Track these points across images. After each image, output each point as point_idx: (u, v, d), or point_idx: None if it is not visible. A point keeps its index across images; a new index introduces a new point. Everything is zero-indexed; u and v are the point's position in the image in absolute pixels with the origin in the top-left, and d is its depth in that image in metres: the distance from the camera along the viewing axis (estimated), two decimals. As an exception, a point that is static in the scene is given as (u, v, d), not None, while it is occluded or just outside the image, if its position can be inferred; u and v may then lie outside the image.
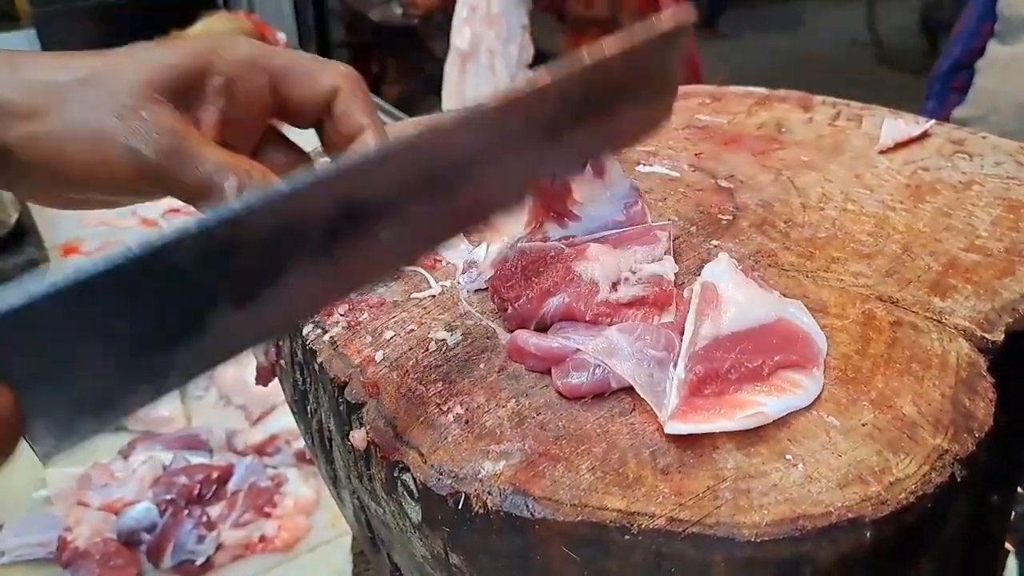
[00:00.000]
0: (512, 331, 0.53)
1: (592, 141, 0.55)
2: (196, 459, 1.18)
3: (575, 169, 0.58)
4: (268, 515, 1.10)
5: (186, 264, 0.40)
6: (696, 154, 0.74)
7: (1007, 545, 0.71)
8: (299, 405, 0.62)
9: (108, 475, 1.16)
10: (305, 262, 0.44)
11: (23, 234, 1.66)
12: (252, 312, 0.43)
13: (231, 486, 1.12)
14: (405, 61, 4.56)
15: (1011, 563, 0.67)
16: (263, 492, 1.11)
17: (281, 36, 2.52)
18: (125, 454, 1.23)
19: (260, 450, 1.20)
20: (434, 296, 0.58)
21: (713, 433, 0.45)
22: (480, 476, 0.44)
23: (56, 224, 1.87)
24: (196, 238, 0.40)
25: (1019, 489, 0.67)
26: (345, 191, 0.44)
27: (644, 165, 0.73)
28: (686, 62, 2.34)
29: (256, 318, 0.44)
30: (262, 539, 1.08)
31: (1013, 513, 0.64)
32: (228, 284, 0.43)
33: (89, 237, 1.86)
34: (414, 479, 0.46)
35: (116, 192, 0.53)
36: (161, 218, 1.93)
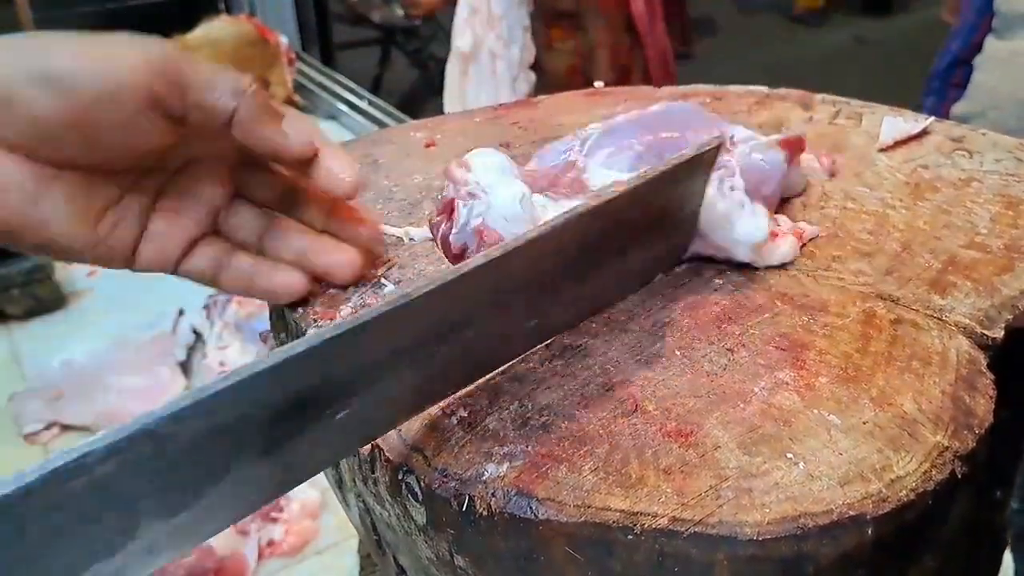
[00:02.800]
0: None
1: (599, 288, 0.54)
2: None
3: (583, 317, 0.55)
4: (275, 520, 1.10)
5: (110, 475, 0.36)
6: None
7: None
8: (304, 409, 0.62)
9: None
10: (245, 463, 0.40)
11: (28, 241, 1.67)
12: (182, 522, 0.39)
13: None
14: (407, 62, 4.56)
15: (1007, 559, 0.67)
16: (269, 496, 1.12)
17: (283, 39, 2.53)
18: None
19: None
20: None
21: (715, 432, 0.45)
22: (484, 478, 0.44)
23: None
24: (120, 450, 0.36)
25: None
26: (296, 379, 0.40)
27: (645, 166, 0.73)
28: (656, 62, 2.33)
29: (186, 528, 0.40)
30: (270, 544, 1.08)
31: (1012, 504, 0.64)
32: (153, 498, 0.38)
33: (94, 243, 1.87)
34: (418, 482, 0.46)
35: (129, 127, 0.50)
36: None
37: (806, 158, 0.69)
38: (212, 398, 0.37)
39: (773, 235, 0.60)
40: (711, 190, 0.57)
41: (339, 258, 0.58)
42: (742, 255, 0.58)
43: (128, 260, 0.55)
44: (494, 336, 0.49)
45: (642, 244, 0.54)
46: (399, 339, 0.43)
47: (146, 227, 0.55)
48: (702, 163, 0.54)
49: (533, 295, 0.49)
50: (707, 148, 0.53)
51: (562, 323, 0.53)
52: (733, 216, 0.57)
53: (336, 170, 0.54)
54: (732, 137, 0.64)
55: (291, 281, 0.57)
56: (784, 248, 0.59)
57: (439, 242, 0.57)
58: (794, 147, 0.64)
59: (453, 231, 0.56)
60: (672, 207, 0.54)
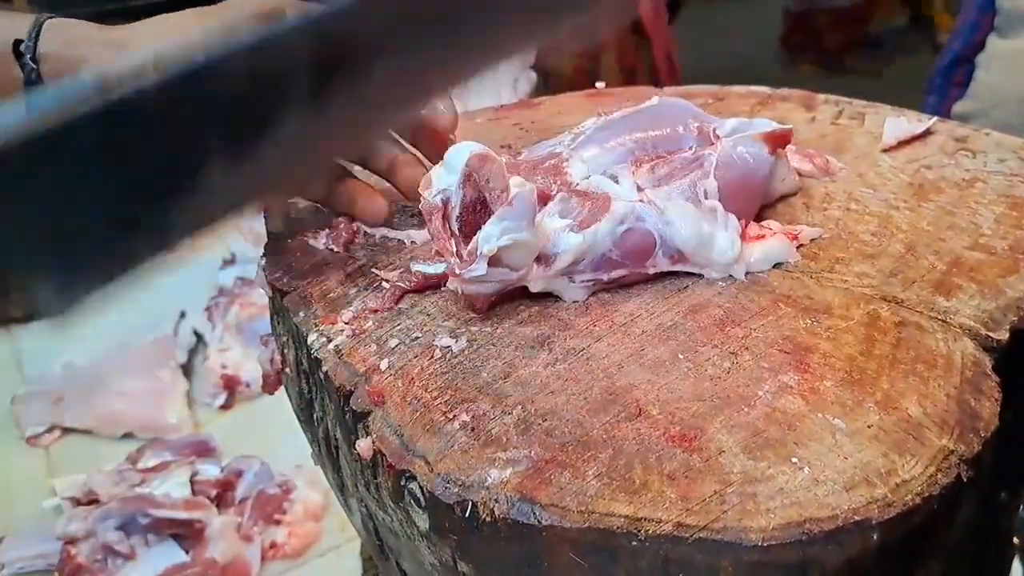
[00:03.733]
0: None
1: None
2: (204, 466, 1.18)
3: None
4: (278, 522, 1.10)
5: (167, 106, 0.38)
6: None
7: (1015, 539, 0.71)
8: (305, 413, 0.62)
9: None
10: (294, 109, 0.42)
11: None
12: (245, 166, 0.42)
13: (239, 493, 1.12)
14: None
15: (1016, 566, 0.67)
16: (272, 499, 1.12)
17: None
18: (134, 459, 1.24)
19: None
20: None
21: (719, 436, 0.45)
22: (487, 484, 0.44)
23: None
24: (170, 80, 0.37)
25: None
26: (330, 32, 0.43)
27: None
28: (663, 62, 2.33)
29: (249, 172, 0.42)
30: (272, 546, 1.08)
31: (1020, 511, 0.64)
32: (216, 132, 0.40)
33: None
34: (421, 488, 0.46)
35: None
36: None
37: (799, 158, 0.69)
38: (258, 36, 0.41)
39: (757, 238, 0.59)
40: (684, 200, 0.58)
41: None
42: (718, 271, 0.58)
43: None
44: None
45: None
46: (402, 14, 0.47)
47: None
48: None
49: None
50: None
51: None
52: (708, 233, 0.57)
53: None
54: (715, 130, 0.64)
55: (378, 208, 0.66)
56: (768, 252, 0.59)
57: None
58: (778, 141, 0.64)
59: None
60: None
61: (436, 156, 0.64)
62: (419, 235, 0.65)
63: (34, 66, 0.55)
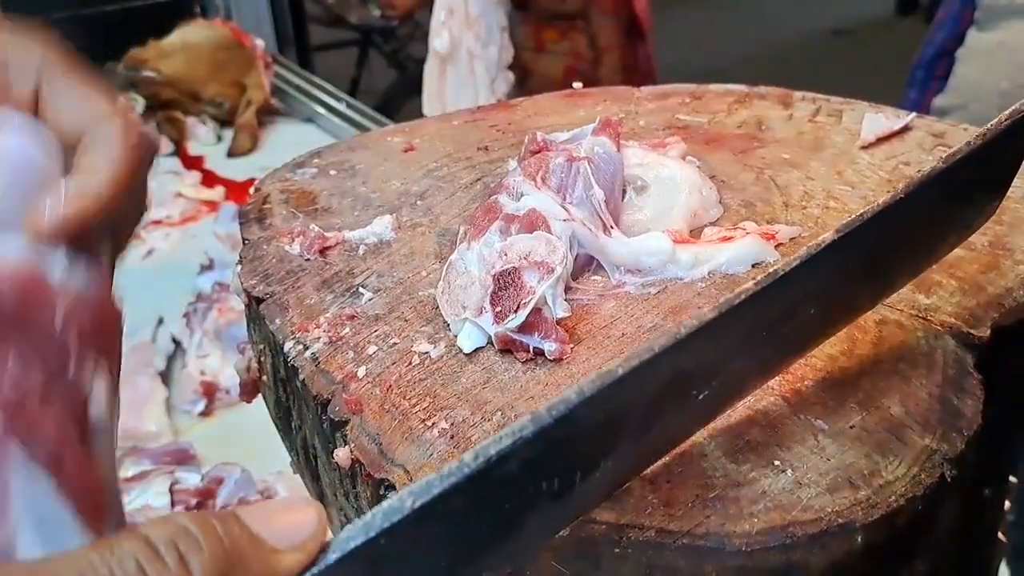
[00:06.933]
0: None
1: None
2: (184, 474, 1.17)
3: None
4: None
5: (515, 470, 0.37)
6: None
7: (1000, 535, 0.71)
8: (283, 422, 0.61)
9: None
10: (628, 440, 0.41)
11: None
12: (567, 502, 0.40)
13: (220, 501, 1.11)
14: (385, 64, 4.55)
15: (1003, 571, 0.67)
16: (253, 506, 1.10)
17: (259, 42, 2.51)
18: (113, 470, 1.22)
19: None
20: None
21: (701, 439, 0.45)
22: (467, 492, 0.43)
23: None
24: (530, 443, 0.36)
25: (1012, 479, 0.67)
26: (675, 362, 0.40)
27: (625, 167, 0.72)
28: (646, 60, 2.33)
29: (569, 506, 0.41)
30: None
31: (1007, 517, 0.64)
32: (550, 480, 0.39)
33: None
34: (400, 497, 0.45)
35: None
36: (142, 230, 1.91)
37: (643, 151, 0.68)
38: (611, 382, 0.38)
39: (724, 239, 0.59)
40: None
41: None
42: (670, 270, 0.58)
43: None
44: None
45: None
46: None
47: None
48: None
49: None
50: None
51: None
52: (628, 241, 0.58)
53: None
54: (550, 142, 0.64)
55: None
56: (739, 252, 0.58)
57: None
58: (612, 130, 0.64)
59: None
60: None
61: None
62: (395, 238, 0.64)
63: None
